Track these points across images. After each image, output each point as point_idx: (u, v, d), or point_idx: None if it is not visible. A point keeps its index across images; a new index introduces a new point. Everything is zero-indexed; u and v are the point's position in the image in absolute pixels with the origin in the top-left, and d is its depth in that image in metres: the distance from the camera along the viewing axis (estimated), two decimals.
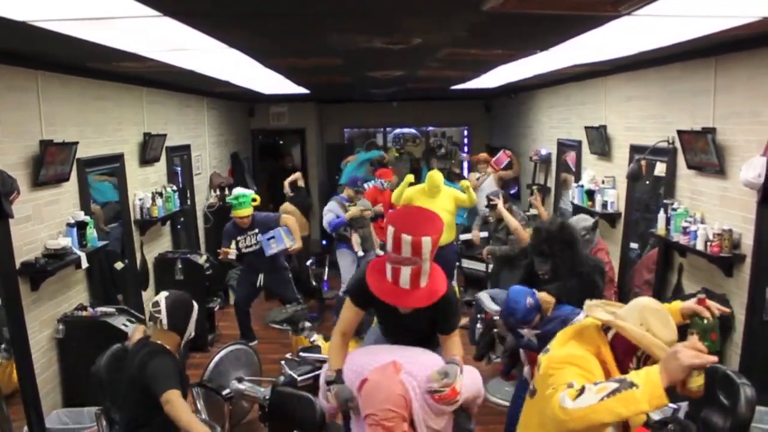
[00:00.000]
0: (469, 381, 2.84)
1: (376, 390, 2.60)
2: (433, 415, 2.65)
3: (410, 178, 6.89)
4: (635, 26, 3.18)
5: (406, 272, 2.65)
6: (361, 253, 6.76)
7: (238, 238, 6.02)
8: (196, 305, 3.36)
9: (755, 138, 3.69)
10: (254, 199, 6.04)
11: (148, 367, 3.05)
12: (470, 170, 8.59)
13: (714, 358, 1.95)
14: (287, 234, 5.94)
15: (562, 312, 3.52)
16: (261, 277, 6.28)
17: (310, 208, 8.73)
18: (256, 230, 6.04)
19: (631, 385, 1.87)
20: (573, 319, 3.41)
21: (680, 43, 3.79)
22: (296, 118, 11.08)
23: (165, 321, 3.17)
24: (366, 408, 2.59)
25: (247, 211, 5.92)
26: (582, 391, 1.90)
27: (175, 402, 2.93)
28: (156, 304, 3.22)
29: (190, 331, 3.30)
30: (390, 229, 2.66)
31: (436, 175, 6.58)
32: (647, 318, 2.17)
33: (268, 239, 5.94)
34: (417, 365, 2.70)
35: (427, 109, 11.63)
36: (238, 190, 6.12)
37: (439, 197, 6.39)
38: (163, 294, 3.28)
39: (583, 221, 4.92)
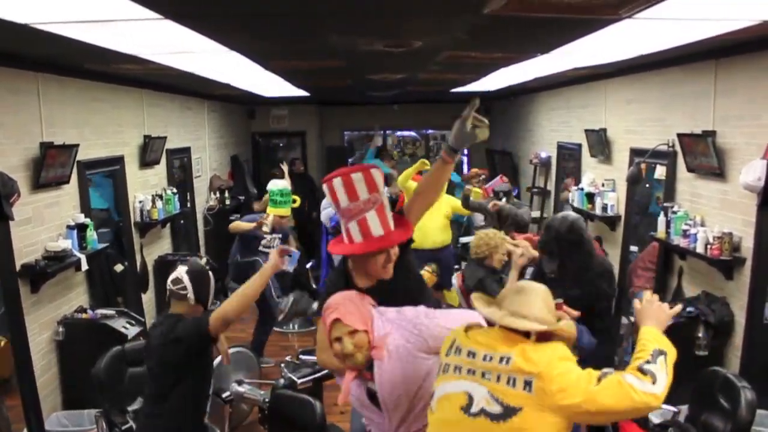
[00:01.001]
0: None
1: (341, 293, 2.34)
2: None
3: (425, 163, 6.71)
4: (636, 29, 3.19)
5: (373, 216, 2.37)
6: None
7: (266, 235, 5.56)
8: (211, 275, 3.20)
9: (755, 141, 3.69)
10: (294, 200, 5.62)
11: (177, 327, 2.88)
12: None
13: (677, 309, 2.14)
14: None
15: None
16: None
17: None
18: (280, 235, 5.68)
19: (661, 352, 1.90)
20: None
21: (681, 46, 3.79)
22: (297, 121, 11.09)
23: (192, 295, 3.00)
24: (327, 306, 2.29)
25: (287, 212, 5.52)
26: (645, 370, 1.83)
27: (216, 312, 2.83)
28: (177, 281, 3.02)
29: (211, 299, 3.14)
30: (335, 181, 2.37)
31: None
32: (549, 303, 2.13)
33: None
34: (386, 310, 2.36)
35: (427, 111, 11.63)
36: (282, 184, 5.62)
37: (438, 200, 6.32)
38: (182, 268, 3.09)
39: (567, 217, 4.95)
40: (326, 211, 6.62)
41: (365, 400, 2.33)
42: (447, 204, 6.50)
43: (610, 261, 4.42)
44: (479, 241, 4.40)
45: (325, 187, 2.41)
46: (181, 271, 3.05)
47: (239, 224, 5.69)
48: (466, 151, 12.28)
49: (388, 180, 7.12)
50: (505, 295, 2.13)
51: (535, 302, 2.05)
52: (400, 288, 2.52)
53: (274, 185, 5.75)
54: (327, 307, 2.28)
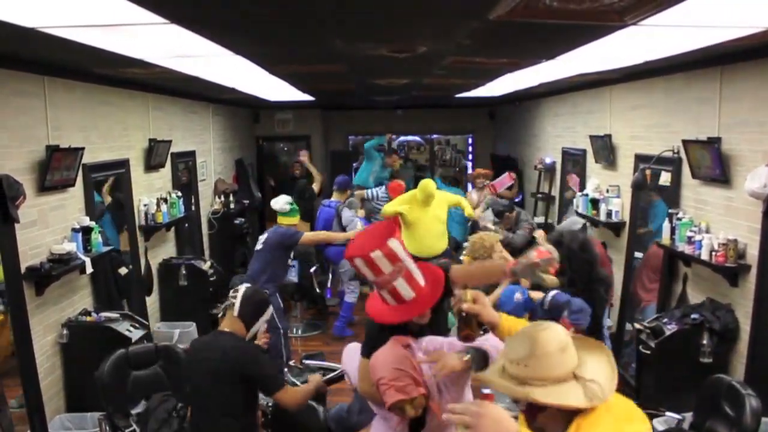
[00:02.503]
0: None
1: (383, 357, 2.46)
2: (450, 383, 2.49)
3: (407, 196, 6.59)
4: (641, 36, 3.19)
5: (402, 284, 2.47)
6: None
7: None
8: (270, 309, 3.36)
9: (761, 148, 3.68)
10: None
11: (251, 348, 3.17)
12: (473, 186, 8.32)
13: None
14: None
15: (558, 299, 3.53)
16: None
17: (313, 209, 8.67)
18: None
19: None
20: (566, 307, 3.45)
21: (686, 52, 3.79)
22: (301, 125, 11.11)
23: (237, 308, 3.18)
24: (376, 376, 2.44)
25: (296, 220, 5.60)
26: None
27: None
28: (236, 290, 3.27)
29: (257, 329, 3.28)
30: (357, 261, 2.46)
31: (428, 184, 6.30)
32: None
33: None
34: (420, 341, 2.56)
35: (431, 116, 11.65)
36: (285, 198, 5.68)
37: (432, 205, 6.24)
38: (246, 285, 3.39)
39: (574, 224, 4.97)
40: (355, 223, 6.69)
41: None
42: (442, 205, 6.39)
43: (611, 277, 4.46)
44: (475, 245, 4.41)
45: (355, 261, 2.49)
46: (243, 285, 3.34)
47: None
48: (470, 157, 12.30)
49: (352, 204, 7.13)
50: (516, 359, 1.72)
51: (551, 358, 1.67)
52: (427, 325, 2.65)
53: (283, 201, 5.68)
54: (376, 379, 2.41)
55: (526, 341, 1.70)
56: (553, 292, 3.79)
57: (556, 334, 1.70)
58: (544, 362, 1.65)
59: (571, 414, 1.64)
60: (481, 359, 2.36)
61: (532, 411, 1.70)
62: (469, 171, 11.05)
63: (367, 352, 2.61)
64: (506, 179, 8.25)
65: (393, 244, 2.45)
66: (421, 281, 2.52)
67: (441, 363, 2.35)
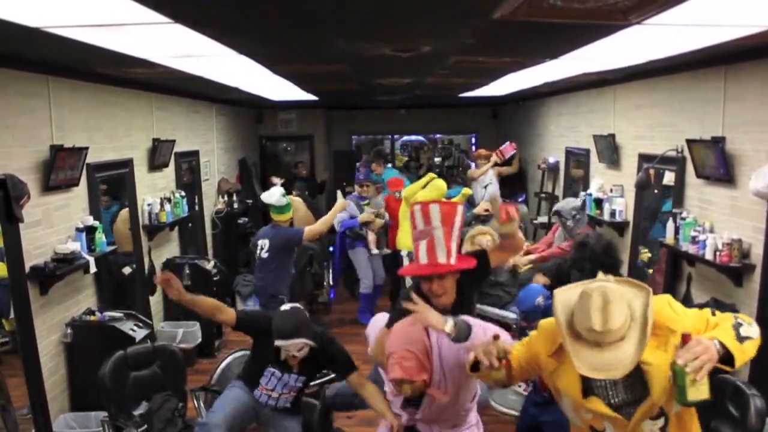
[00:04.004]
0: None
1: (401, 332, 2.61)
2: (456, 374, 2.60)
3: (429, 177, 6.87)
4: (645, 35, 3.18)
5: (440, 238, 2.71)
6: (375, 251, 6.86)
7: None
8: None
9: (765, 147, 3.67)
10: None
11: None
12: (476, 166, 8.65)
13: None
14: None
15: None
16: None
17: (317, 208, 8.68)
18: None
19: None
20: None
21: (690, 52, 3.78)
22: (304, 125, 11.11)
23: None
24: (389, 348, 2.59)
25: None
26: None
27: None
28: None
29: None
30: (415, 208, 2.81)
31: (441, 184, 6.71)
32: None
33: None
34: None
35: (434, 116, 11.64)
36: (278, 192, 5.66)
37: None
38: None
39: (572, 203, 4.99)
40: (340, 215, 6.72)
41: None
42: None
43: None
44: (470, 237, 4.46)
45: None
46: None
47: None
48: (473, 140, 12.32)
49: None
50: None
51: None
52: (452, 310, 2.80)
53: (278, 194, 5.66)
54: (388, 352, 2.60)
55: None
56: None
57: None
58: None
59: None
60: (464, 329, 2.43)
61: None
62: (472, 146, 11.16)
63: (390, 324, 2.82)
64: (508, 147, 8.39)
65: (452, 207, 2.79)
66: (454, 251, 2.75)
67: (422, 313, 2.50)
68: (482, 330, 2.47)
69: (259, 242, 5.52)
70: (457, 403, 2.73)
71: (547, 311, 3.63)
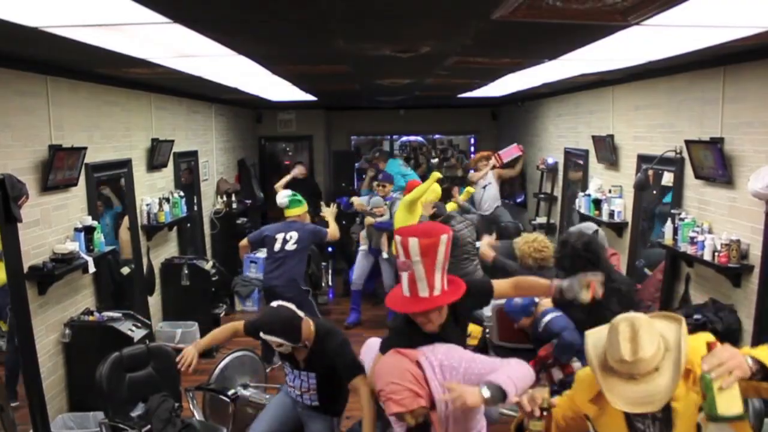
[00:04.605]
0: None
1: (385, 368, 2.60)
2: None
3: (434, 178, 6.72)
4: (644, 36, 3.18)
5: (420, 273, 2.64)
6: (364, 247, 6.88)
7: None
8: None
9: (764, 148, 3.68)
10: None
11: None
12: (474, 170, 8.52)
13: None
14: None
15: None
16: None
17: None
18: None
19: None
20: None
21: (689, 53, 3.78)
22: (304, 125, 11.10)
23: None
24: (377, 386, 2.60)
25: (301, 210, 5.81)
26: None
27: None
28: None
29: None
30: (397, 239, 2.74)
31: (437, 187, 6.59)
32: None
33: None
34: (438, 348, 2.68)
35: (434, 116, 11.64)
36: (287, 192, 5.95)
37: (418, 208, 6.39)
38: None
39: (585, 229, 4.96)
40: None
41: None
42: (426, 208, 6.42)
43: (628, 279, 4.44)
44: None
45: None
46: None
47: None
48: (473, 141, 12.31)
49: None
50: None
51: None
52: (440, 337, 2.79)
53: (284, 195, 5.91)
54: (377, 390, 2.62)
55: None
56: (550, 316, 3.82)
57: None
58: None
59: None
60: (499, 395, 2.40)
61: None
62: (472, 150, 11.10)
63: (384, 349, 2.82)
64: (514, 149, 8.22)
65: (432, 240, 2.65)
66: (439, 285, 2.68)
67: (458, 397, 2.42)
68: (513, 386, 2.43)
69: (278, 236, 5.53)
70: (465, 422, 2.74)
71: (526, 309, 3.75)
